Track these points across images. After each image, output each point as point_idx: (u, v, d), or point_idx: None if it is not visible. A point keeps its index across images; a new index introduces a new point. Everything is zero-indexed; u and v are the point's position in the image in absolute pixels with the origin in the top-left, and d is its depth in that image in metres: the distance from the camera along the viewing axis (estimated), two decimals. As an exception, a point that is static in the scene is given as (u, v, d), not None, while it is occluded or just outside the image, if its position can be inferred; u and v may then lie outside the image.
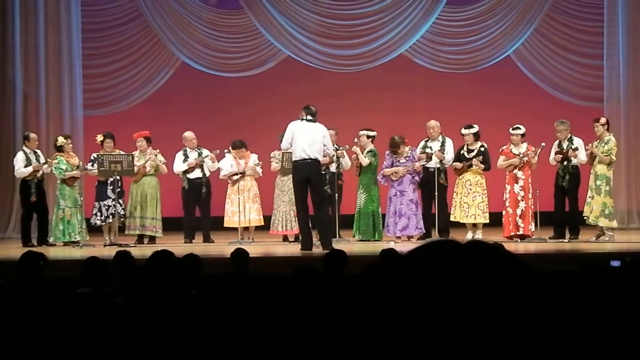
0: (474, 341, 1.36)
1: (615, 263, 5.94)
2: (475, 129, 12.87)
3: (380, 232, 13.04)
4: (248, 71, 16.02)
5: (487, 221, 12.80)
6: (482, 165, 12.70)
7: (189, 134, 13.58)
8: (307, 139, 11.25)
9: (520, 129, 12.69)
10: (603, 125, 12.47)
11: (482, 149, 12.84)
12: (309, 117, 11.38)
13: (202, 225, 13.42)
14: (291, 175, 12.61)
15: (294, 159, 11.41)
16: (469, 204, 12.72)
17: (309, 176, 11.27)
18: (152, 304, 4.42)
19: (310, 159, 11.25)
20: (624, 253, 9.66)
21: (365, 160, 13.05)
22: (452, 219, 12.86)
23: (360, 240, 12.92)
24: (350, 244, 12.42)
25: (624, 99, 15.57)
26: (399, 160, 12.95)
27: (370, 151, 13.15)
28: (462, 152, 12.89)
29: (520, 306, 1.39)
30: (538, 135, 12.97)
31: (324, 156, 11.82)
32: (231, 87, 16.27)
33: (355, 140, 13.18)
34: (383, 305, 1.42)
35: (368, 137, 13.21)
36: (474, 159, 12.70)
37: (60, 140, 13.18)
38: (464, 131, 12.92)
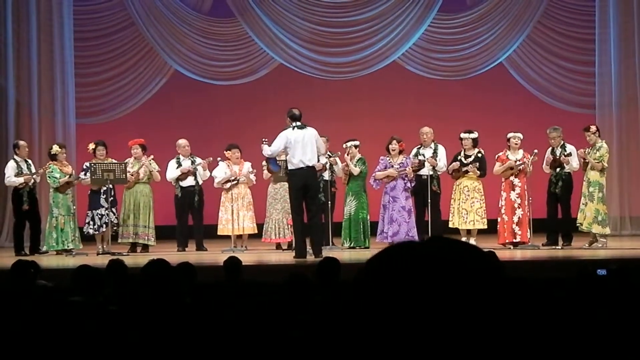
0: (442, 340, 1.37)
1: (602, 272, 5.92)
2: (475, 134, 12.88)
3: (369, 238, 13.04)
4: (241, 79, 16.02)
5: (486, 227, 12.79)
6: (478, 172, 12.70)
7: (182, 141, 13.56)
8: (301, 146, 11.30)
9: (518, 134, 12.71)
10: (594, 133, 12.50)
11: (480, 154, 12.85)
12: (297, 124, 11.43)
13: (195, 234, 13.40)
14: (284, 183, 12.63)
15: (290, 168, 11.41)
16: (467, 210, 12.72)
17: (307, 184, 11.31)
18: (146, 313, 4.41)
19: (307, 166, 11.30)
20: (617, 260, 9.68)
21: (356, 170, 13.06)
22: (450, 225, 12.85)
23: (351, 247, 12.92)
24: (341, 251, 12.42)
25: (616, 105, 15.59)
26: (392, 166, 12.93)
27: (359, 159, 13.17)
28: (459, 157, 12.89)
29: (486, 299, 1.39)
30: (531, 142, 12.98)
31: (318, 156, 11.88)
32: (224, 94, 16.27)
33: (347, 155, 13.17)
34: (352, 311, 1.44)
35: (355, 147, 13.26)
36: (470, 165, 12.71)
37: (55, 148, 13.15)
38: (463, 135, 12.91)
